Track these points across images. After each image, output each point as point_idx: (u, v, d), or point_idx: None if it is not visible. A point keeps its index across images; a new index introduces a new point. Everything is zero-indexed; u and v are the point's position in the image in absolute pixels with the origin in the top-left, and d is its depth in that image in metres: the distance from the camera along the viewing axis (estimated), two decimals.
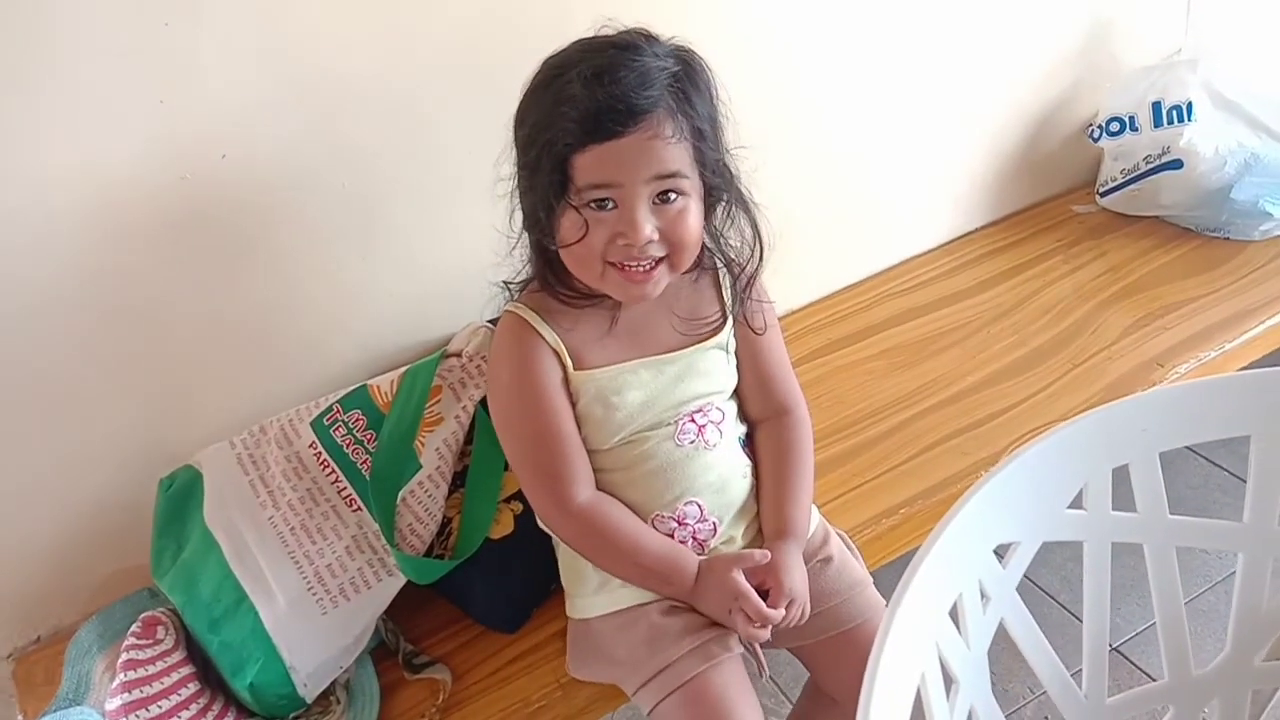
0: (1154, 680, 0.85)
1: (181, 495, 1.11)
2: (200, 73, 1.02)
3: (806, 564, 1.02)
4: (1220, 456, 1.77)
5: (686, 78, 0.89)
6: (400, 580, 1.06)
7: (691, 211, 0.92)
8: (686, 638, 0.96)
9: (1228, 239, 1.66)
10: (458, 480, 1.12)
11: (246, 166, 1.08)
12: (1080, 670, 0.82)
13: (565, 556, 1.05)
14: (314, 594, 1.03)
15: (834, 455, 1.32)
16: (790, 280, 1.55)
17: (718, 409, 1.03)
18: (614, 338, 0.99)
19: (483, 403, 1.11)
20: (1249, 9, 1.66)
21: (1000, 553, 0.74)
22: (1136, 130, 1.66)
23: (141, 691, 0.96)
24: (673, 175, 0.89)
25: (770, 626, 0.95)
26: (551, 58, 0.91)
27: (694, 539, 1.00)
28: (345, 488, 1.09)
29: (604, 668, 1.01)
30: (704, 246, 1.00)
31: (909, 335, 1.54)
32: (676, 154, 0.88)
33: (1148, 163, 1.67)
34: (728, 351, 1.04)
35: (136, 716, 0.94)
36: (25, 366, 1.06)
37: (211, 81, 1.03)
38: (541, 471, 0.98)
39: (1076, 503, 0.77)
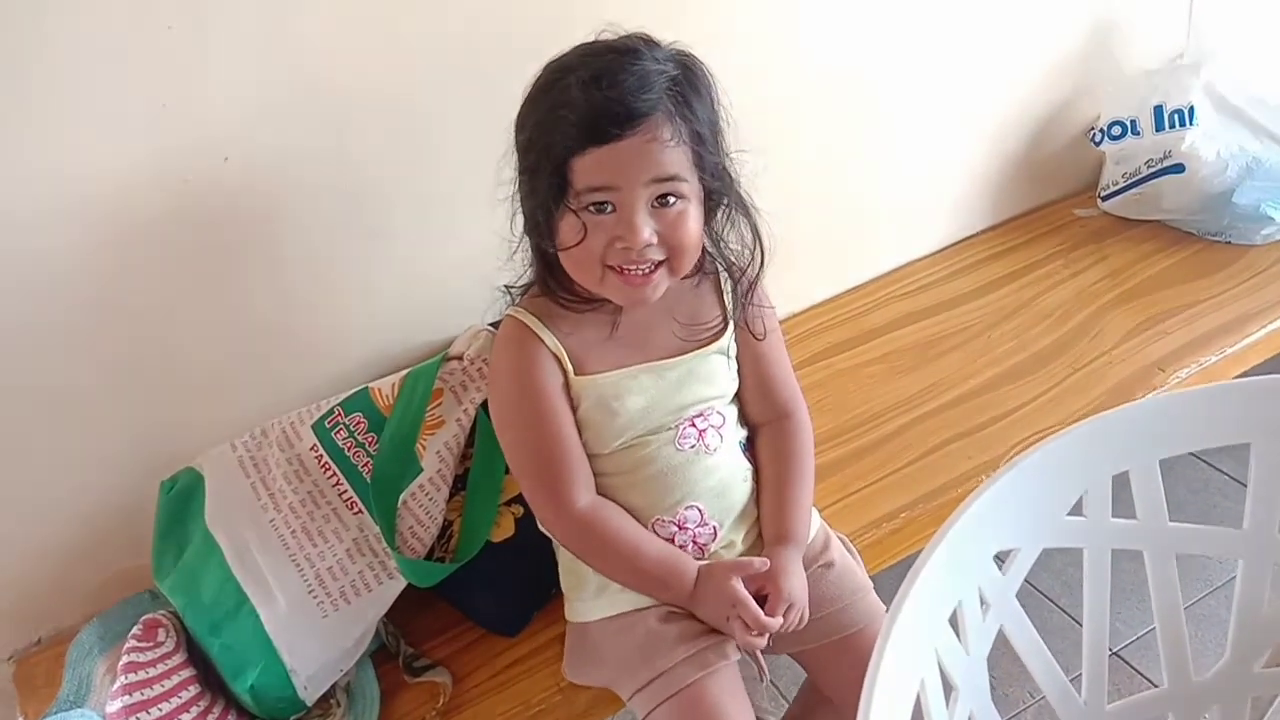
0: (1154, 685, 0.85)
1: (183, 498, 1.11)
2: (203, 76, 1.02)
3: (807, 569, 1.02)
4: (1220, 460, 1.77)
5: (686, 82, 0.90)
6: (401, 583, 1.06)
7: (691, 215, 0.92)
8: (682, 645, 0.96)
9: (1229, 243, 1.66)
10: (459, 483, 1.12)
11: (249, 169, 1.08)
12: (1080, 675, 0.82)
13: (565, 560, 1.05)
14: (315, 597, 1.03)
15: (835, 459, 1.32)
16: (792, 284, 1.56)
17: (718, 413, 1.03)
18: (615, 342, 0.99)
19: (484, 406, 1.11)
20: (1251, 13, 1.66)
21: (1000, 559, 0.74)
22: (1138, 134, 1.67)
23: (142, 694, 0.96)
24: (671, 178, 0.89)
25: (768, 633, 0.95)
26: (552, 62, 0.91)
27: (694, 543, 1.01)
28: (346, 490, 1.09)
29: (600, 672, 1.02)
30: (705, 251, 1.00)
31: (910, 339, 1.54)
32: (675, 157, 0.88)
33: (1149, 167, 1.67)
34: (729, 356, 1.04)
35: (137, 719, 0.94)
36: (27, 369, 1.06)
37: (214, 85, 1.03)
38: (542, 476, 0.98)
39: (1076, 509, 0.77)
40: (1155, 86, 1.66)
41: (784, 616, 0.96)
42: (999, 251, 1.73)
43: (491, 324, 1.18)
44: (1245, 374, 1.47)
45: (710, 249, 1.01)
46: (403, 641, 1.11)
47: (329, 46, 1.07)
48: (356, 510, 1.08)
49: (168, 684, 0.97)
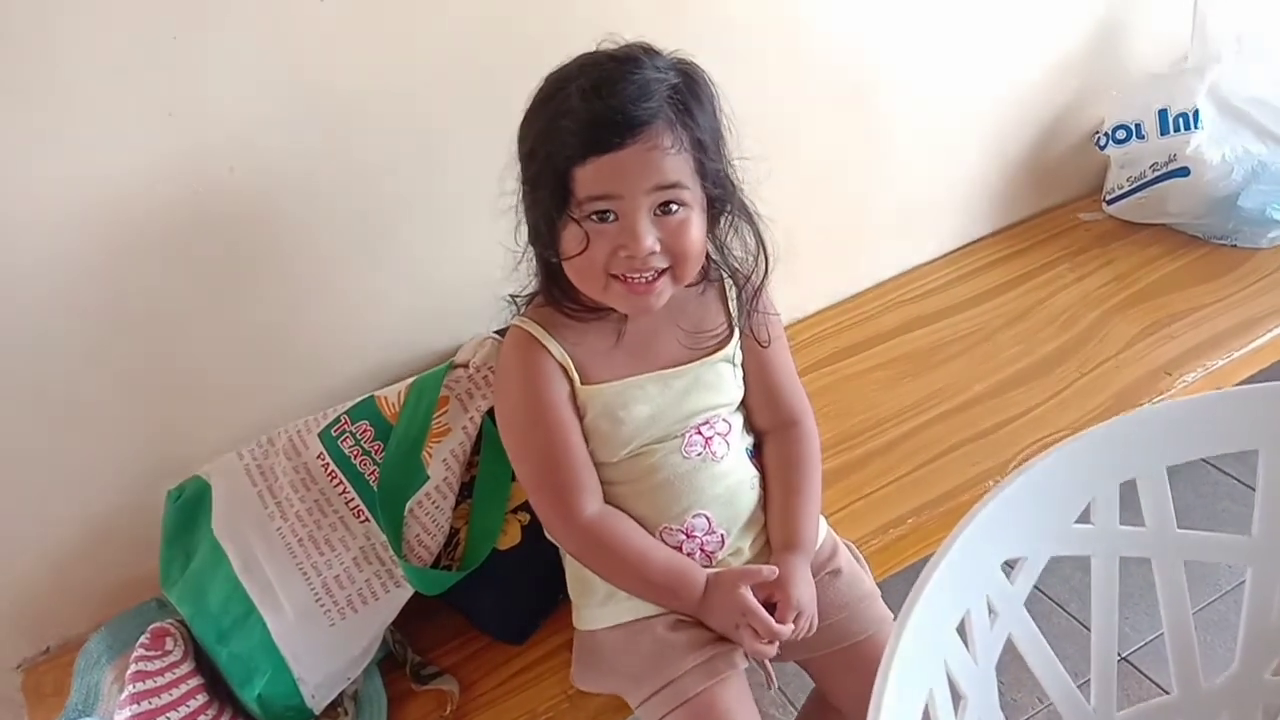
0: (1164, 691, 0.85)
1: (190, 506, 1.11)
2: (209, 86, 1.02)
3: (815, 576, 1.02)
4: (1228, 464, 1.76)
5: (687, 89, 0.90)
6: (408, 591, 1.06)
7: (693, 223, 0.92)
8: (692, 653, 0.96)
9: (1235, 246, 1.65)
10: (465, 491, 1.12)
11: (255, 179, 1.09)
12: (1089, 680, 0.82)
13: (572, 567, 1.05)
14: (322, 605, 1.03)
15: (841, 465, 1.32)
16: (797, 289, 1.56)
17: (724, 421, 1.03)
18: (621, 351, 0.99)
19: (490, 414, 1.11)
20: (1256, 16, 1.65)
21: (1008, 567, 0.74)
22: (1143, 138, 1.66)
23: (150, 703, 0.96)
24: (673, 186, 0.89)
25: (778, 641, 0.95)
26: (552, 73, 0.91)
27: (701, 551, 1.00)
28: (353, 499, 1.09)
29: (609, 679, 1.01)
30: (709, 259, 1.00)
31: (916, 344, 1.53)
32: (677, 165, 0.88)
33: (1154, 170, 1.67)
34: (734, 364, 1.04)
35: None
36: (34, 379, 1.06)
37: (220, 95, 1.03)
38: (549, 485, 0.98)
39: (1084, 517, 0.77)
40: (1160, 90, 1.65)
41: (793, 624, 0.96)
42: (1004, 256, 1.73)
43: (497, 332, 1.18)
44: (1253, 377, 1.46)
45: (714, 256, 1.01)
46: (410, 649, 1.11)
47: (334, 57, 1.08)
48: (363, 518, 1.08)
49: (175, 693, 0.97)
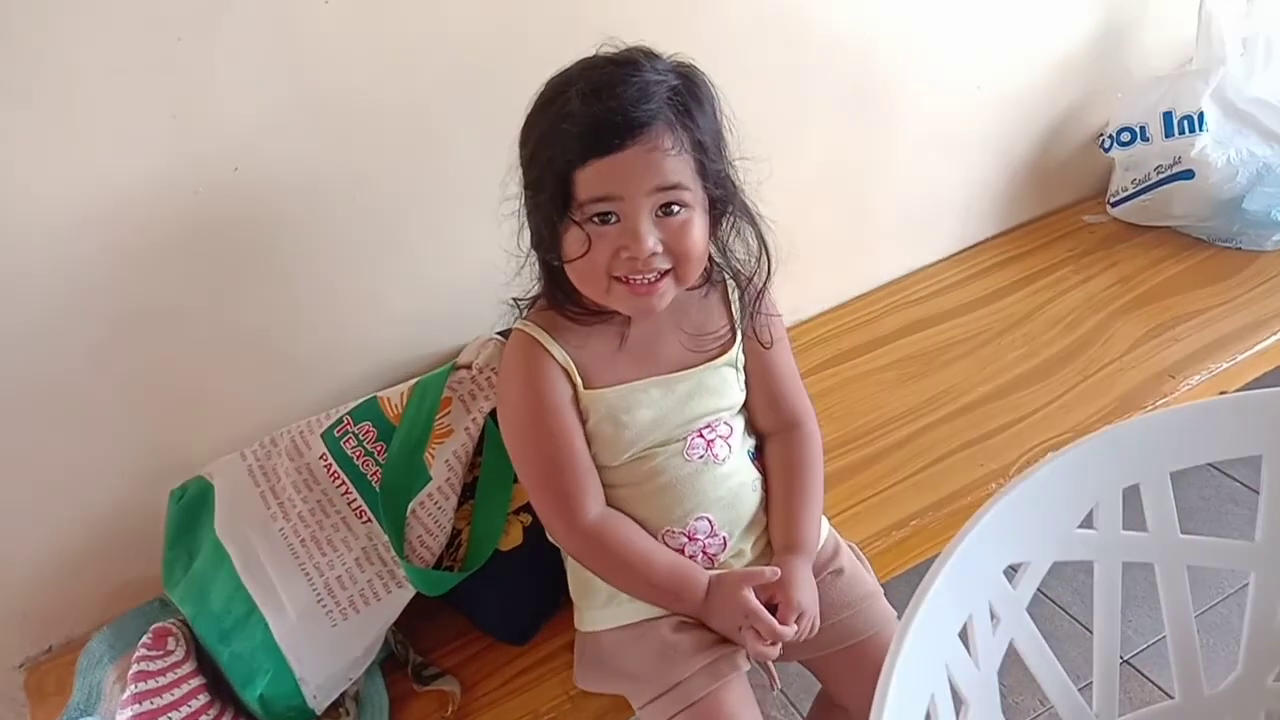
0: (1167, 694, 0.84)
1: (193, 506, 1.12)
2: (213, 88, 1.03)
3: (817, 576, 1.02)
4: (1232, 468, 1.76)
5: (686, 92, 0.90)
6: (410, 592, 1.06)
7: (695, 224, 0.92)
8: (697, 655, 0.96)
9: (1240, 249, 1.65)
10: (467, 492, 1.12)
11: (258, 181, 1.09)
12: (1091, 684, 0.81)
13: (574, 569, 1.05)
14: (324, 606, 1.03)
15: (844, 467, 1.31)
16: (799, 291, 1.56)
17: (726, 424, 1.03)
18: (624, 355, 0.99)
19: (492, 415, 1.11)
20: (1262, 18, 1.65)
21: (1013, 570, 0.74)
22: (1148, 140, 1.66)
23: (152, 703, 0.96)
24: (674, 187, 0.89)
25: (781, 643, 0.95)
26: (553, 77, 0.91)
27: (704, 553, 1.00)
28: (355, 499, 1.09)
29: (612, 680, 1.01)
30: (711, 261, 1.00)
31: (919, 346, 1.53)
32: (677, 166, 0.89)
33: (1159, 173, 1.66)
34: (737, 368, 1.04)
35: None
36: (38, 379, 1.06)
37: (224, 97, 1.03)
38: (552, 489, 0.98)
39: (1087, 522, 0.76)
40: (1165, 92, 1.65)
41: (795, 625, 0.96)
42: (1008, 258, 1.72)
43: (500, 333, 1.18)
44: (1258, 380, 1.46)
45: (716, 258, 1.01)
46: (412, 650, 1.11)
47: (338, 58, 1.08)
48: (365, 519, 1.08)
49: (177, 693, 0.98)
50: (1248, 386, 1.45)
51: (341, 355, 1.22)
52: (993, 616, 0.72)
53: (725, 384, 1.03)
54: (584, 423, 0.98)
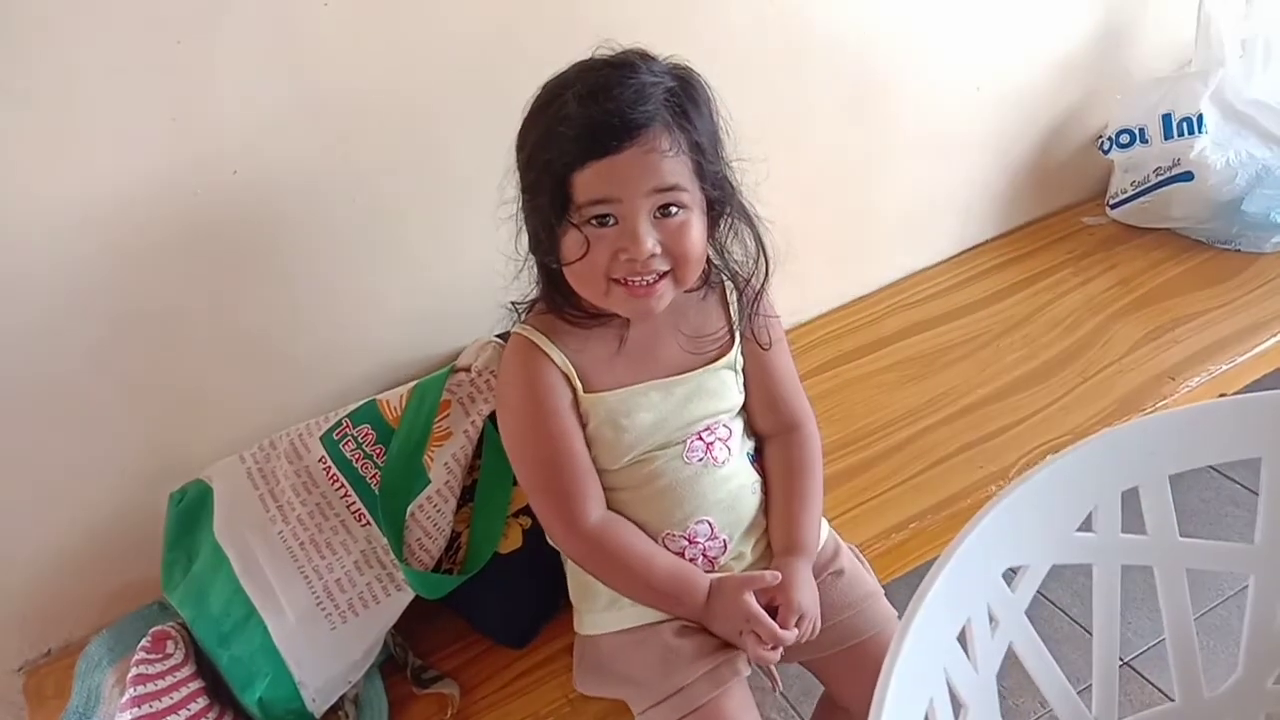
0: (1167, 696, 0.84)
1: (192, 509, 1.12)
2: (212, 90, 1.03)
3: (817, 577, 1.02)
4: (1233, 470, 1.76)
5: (683, 93, 0.90)
6: (409, 595, 1.06)
7: (693, 225, 0.92)
8: (699, 661, 0.96)
9: (1239, 251, 1.65)
10: (466, 495, 1.12)
11: (258, 183, 1.09)
12: (1090, 685, 0.81)
13: (574, 572, 1.05)
14: (323, 609, 1.03)
15: (844, 469, 1.31)
16: (799, 293, 1.56)
17: (725, 426, 1.03)
18: (623, 358, 0.99)
19: (491, 417, 1.11)
20: (1261, 20, 1.65)
21: (1011, 573, 0.74)
22: (1146, 142, 1.66)
23: (151, 706, 0.96)
24: (672, 188, 0.89)
25: (782, 646, 0.95)
26: (549, 81, 0.91)
27: (704, 556, 1.00)
28: (354, 502, 1.09)
29: (612, 685, 1.01)
30: (710, 263, 1.00)
31: (919, 348, 1.53)
32: (675, 167, 0.89)
33: (1158, 175, 1.66)
34: (736, 370, 1.04)
35: None
36: (36, 381, 1.06)
37: (223, 99, 1.04)
38: (552, 493, 0.98)
39: (1086, 525, 0.76)
40: (1164, 94, 1.65)
41: (796, 627, 0.96)
42: (1008, 260, 1.73)
43: (499, 335, 1.18)
44: (1257, 382, 1.46)
45: (715, 260, 1.01)
46: (411, 653, 1.11)
47: (337, 60, 1.08)
48: (364, 522, 1.08)
49: (176, 696, 0.97)
50: (1248, 388, 1.45)
51: (341, 357, 1.22)
52: (991, 619, 0.72)
53: (724, 386, 1.03)
54: (583, 426, 0.98)
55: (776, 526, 1.03)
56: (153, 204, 1.04)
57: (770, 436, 1.08)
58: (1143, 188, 1.70)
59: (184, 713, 0.97)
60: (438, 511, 1.09)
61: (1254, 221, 1.61)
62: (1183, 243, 1.70)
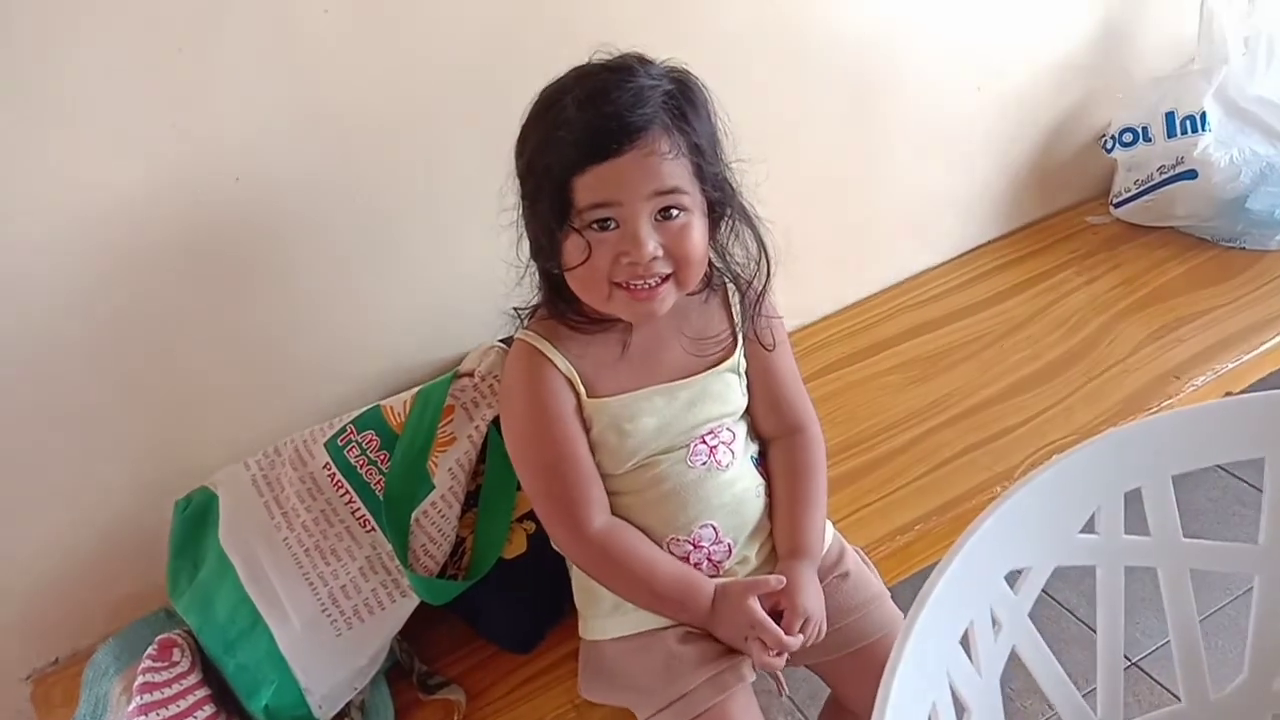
0: (1175, 696, 0.84)
1: (197, 517, 1.12)
2: (213, 97, 1.03)
3: (823, 580, 1.02)
4: (1240, 468, 1.75)
5: (681, 96, 0.90)
6: (414, 601, 1.06)
7: (694, 227, 0.92)
8: (703, 667, 0.96)
9: (1244, 249, 1.65)
10: (471, 500, 1.12)
11: (259, 188, 1.09)
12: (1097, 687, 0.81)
13: (579, 577, 1.05)
14: (328, 615, 1.03)
15: (848, 471, 1.31)
16: (802, 294, 1.56)
17: (729, 429, 1.03)
18: (626, 363, 0.99)
19: (495, 422, 1.11)
20: (1264, 17, 1.64)
21: (1012, 579, 0.74)
22: (1149, 141, 1.66)
23: (158, 714, 0.96)
24: (672, 191, 0.89)
25: (787, 653, 0.94)
26: (547, 87, 0.92)
27: (709, 560, 1.00)
28: (359, 508, 1.09)
29: (617, 691, 1.01)
30: (711, 265, 1.00)
31: (923, 349, 1.53)
32: (675, 170, 0.89)
33: (1161, 173, 1.66)
34: (740, 373, 1.04)
35: None
36: (41, 390, 1.07)
37: (224, 106, 1.04)
38: (556, 499, 0.98)
39: (1088, 527, 0.76)
40: (1166, 93, 1.65)
41: (802, 632, 0.95)
42: (1011, 260, 1.72)
43: (502, 340, 1.18)
44: (1263, 380, 1.46)
45: (716, 262, 1.01)
46: (416, 659, 1.11)
47: (337, 67, 1.08)
48: (369, 528, 1.08)
49: (183, 704, 0.98)
50: (1254, 386, 1.44)
51: (344, 363, 1.23)
52: (994, 622, 0.71)
53: (728, 390, 1.03)
54: (587, 431, 0.98)
55: (781, 530, 1.03)
56: (155, 209, 1.05)
57: (774, 439, 1.07)
58: (1146, 186, 1.69)
59: None
60: (442, 517, 1.09)
61: (1258, 219, 1.61)
62: (1187, 241, 1.69)
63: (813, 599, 0.98)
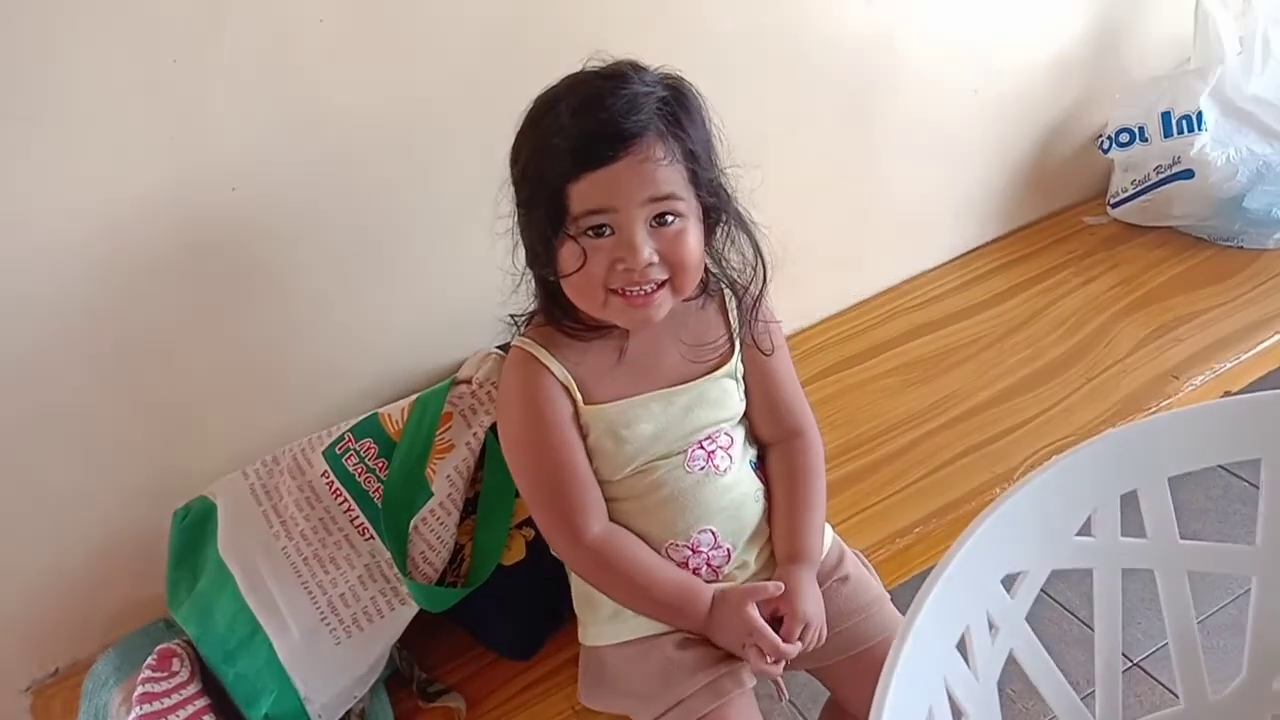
0: (1177, 696, 0.84)
1: (196, 526, 1.12)
2: (209, 108, 1.03)
3: (823, 584, 1.02)
4: (1240, 468, 1.74)
5: (675, 102, 0.90)
6: (413, 609, 1.06)
7: (690, 233, 0.92)
8: (700, 672, 0.96)
9: (1241, 248, 1.65)
10: (469, 507, 1.12)
11: (256, 199, 1.09)
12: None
13: (578, 584, 1.05)
14: (327, 624, 1.03)
15: (847, 474, 1.31)
16: (801, 297, 1.56)
17: (726, 434, 1.03)
18: (623, 369, 0.99)
19: (493, 429, 1.11)
20: (1259, 16, 1.64)
21: (1009, 582, 0.73)
22: (1146, 141, 1.66)
23: None
24: (667, 197, 0.89)
25: (785, 660, 0.94)
26: (541, 94, 0.92)
27: (708, 565, 1.00)
28: (358, 516, 1.09)
29: (616, 698, 1.01)
30: (708, 271, 1.00)
31: (921, 351, 1.53)
32: (670, 176, 0.89)
33: (1158, 173, 1.66)
34: (737, 379, 1.04)
35: None
36: (40, 400, 1.07)
37: (220, 116, 1.04)
38: (554, 506, 0.98)
39: (1085, 529, 0.76)
40: (1163, 92, 1.65)
41: (801, 639, 0.95)
42: (1009, 261, 1.72)
43: (500, 346, 1.18)
44: (1262, 379, 1.46)
45: (712, 268, 1.01)
46: (416, 667, 1.11)
47: (333, 76, 1.08)
48: (368, 536, 1.08)
49: (183, 714, 0.98)
50: (1252, 386, 1.44)
51: (342, 371, 1.23)
52: (991, 626, 0.71)
53: (725, 395, 1.03)
54: (584, 438, 0.98)
55: (780, 535, 1.03)
56: (152, 221, 1.05)
57: (772, 444, 1.07)
58: (1143, 186, 1.69)
59: None
60: (441, 524, 1.09)
61: (1256, 218, 1.61)
62: (1184, 241, 1.70)
63: (813, 604, 0.98)
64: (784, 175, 1.37)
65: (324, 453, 1.12)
